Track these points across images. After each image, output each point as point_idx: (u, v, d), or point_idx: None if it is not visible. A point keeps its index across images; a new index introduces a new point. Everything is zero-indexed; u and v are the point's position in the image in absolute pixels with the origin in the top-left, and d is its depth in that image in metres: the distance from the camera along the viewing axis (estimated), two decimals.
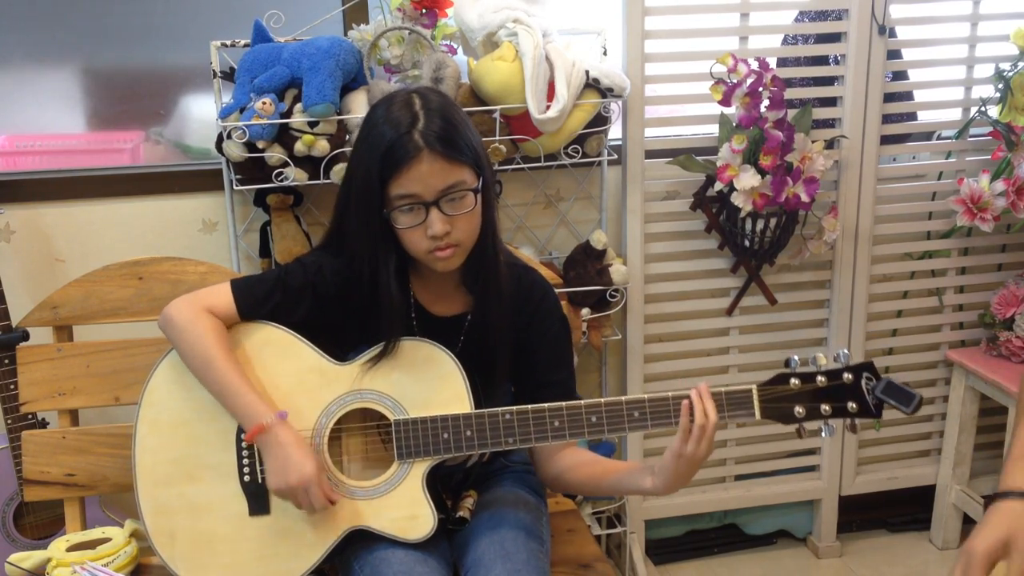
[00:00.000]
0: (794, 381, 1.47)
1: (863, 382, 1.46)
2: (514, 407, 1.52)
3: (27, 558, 1.67)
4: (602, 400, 1.51)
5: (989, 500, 1.32)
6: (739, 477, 2.71)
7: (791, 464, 2.72)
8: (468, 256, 1.54)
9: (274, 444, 1.49)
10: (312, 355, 1.57)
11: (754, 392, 1.48)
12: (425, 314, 1.62)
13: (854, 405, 1.47)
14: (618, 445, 2.58)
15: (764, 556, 2.76)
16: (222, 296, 1.57)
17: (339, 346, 1.59)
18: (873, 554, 2.76)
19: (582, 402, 1.51)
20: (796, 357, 1.49)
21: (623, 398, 1.50)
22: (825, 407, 1.47)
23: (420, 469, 1.54)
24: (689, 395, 1.47)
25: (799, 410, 1.47)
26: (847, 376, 1.47)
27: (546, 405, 1.51)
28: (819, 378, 1.47)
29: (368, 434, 1.60)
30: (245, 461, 1.56)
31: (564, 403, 1.51)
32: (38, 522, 2.23)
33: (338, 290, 1.58)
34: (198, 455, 1.57)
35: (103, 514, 2.17)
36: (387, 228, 1.50)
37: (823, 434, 1.49)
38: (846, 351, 1.48)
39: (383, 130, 1.46)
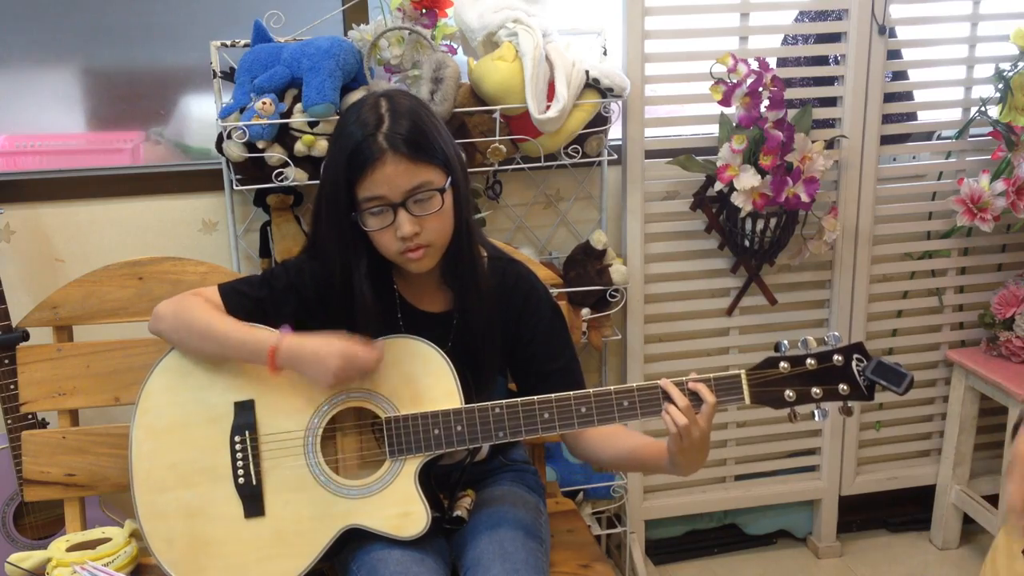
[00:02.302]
0: (783, 364, 1.47)
1: (853, 363, 1.46)
2: (503, 401, 1.52)
3: (27, 558, 1.67)
4: (591, 391, 1.51)
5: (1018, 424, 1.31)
6: (739, 477, 2.71)
7: (791, 464, 2.72)
8: (444, 255, 1.55)
9: (294, 356, 1.50)
10: None
11: (743, 377, 1.47)
12: (412, 311, 1.63)
13: (845, 387, 1.46)
14: None
15: (764, 556, 2.76)
16: (209, 297, 1.58)
17: None
18: (873, 554, 2.76)
19: (571, 393, 1.51)
20: (786, 341, 1.48)
21: (612, 388, 1.50)
22: (816, 390, 1.46)
23: (412, 466, 1.54)
24: (681, 382, 1.47)
25: (789, 394, 1.46)
26: (837, 358, 1.46)
27: (536, 398, 1.51)
28: (809, 361, 1.46)
29: (362, 432, 1.60)
30: (239, 464, 1.56)
31: (553, 395, 1.51)
32: (38, 522, 2.23)
33: (318, 292, 1.59)
34: (193, 459, 1.57)
35: (103, 514, 2.17)
36: (357, 231, 1.51)
37: (816, 417, 1.48)
38: (836, 334, 1.47)
39: (350, 132, 1.47)
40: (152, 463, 1.57)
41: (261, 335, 1.52)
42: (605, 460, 1.65)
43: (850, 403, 1.47)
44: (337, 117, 2.06)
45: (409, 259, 1.51)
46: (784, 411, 1.48)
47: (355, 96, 2.10)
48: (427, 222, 1.48)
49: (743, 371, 1.48)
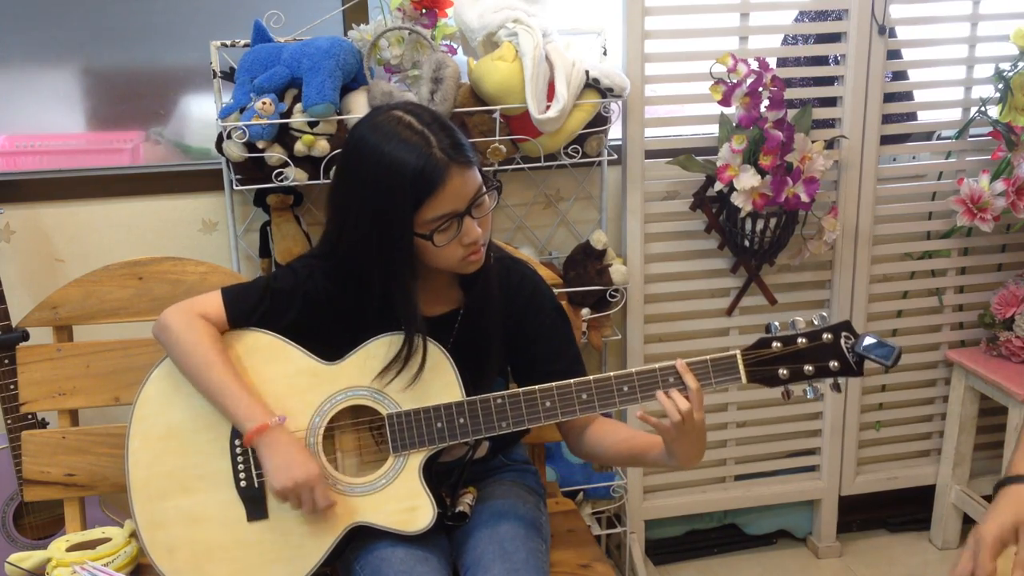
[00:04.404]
0: (776, 344, 1.49)
1: (842, 340, 1.48)
2: (505, 391, 1.53)
3: (27, 558, 1.68)
4: (591, 377, 1.52)
5: (998, 487, 1.32)
6: (739, 477, 2.71)
7: (791, 464, 2.72)
8: None
9: (276, 444, 1.49)
10: (301, 357, 1.57)
11: (739, 357, 1.49)
12: None
13: (836, 363, 1.48)
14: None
15: (764, 556, 2.76)
16: (213, 304, 1.58)
17: (329, 347, 1.59)
18: (873, 554, 2.76)
19: (572, 381, 1.52)
20: (776, 322, 1.51)
21: (612, 374, 1.51)
22: (808, 367, 1.48)
23: (416, 460, 1.54)
24: (674, 366, 1.48)
25: (783, 372, 1.48)
26: (827, 336, 1.48)
27: (536, 387, 1.52)
28: (800, 339, 1.48)
29: (360, 431, 1.60)
30: (240, 467, 1.56)
31: (554, 383, 1.52)
32: (38, 522, 2.23)
33: (328, 295, 1.58)
34: (192, 466, 1.57)
35: (103, 514, 2.17)
36: (413, 250, 1.49)
37: (808, 395, 1.50)
38: (824, 314, 1.50)
39: (399, 158, 1.43)
40: (150, 471, 1.57)
41: (254, 410, 1.50)
42: (605, 455, 1.65)
43: (840, 379, 1.50)
44: (337, 117, 2.06)
45: (471, 262, 1.52)
46: (778, 390, 1.50)
47: (355, 96, 2.10)
48: (484, 221, 1.50)
49: (738, 351, 1.50)
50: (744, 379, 1.49)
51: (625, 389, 1.51)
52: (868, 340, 1.46)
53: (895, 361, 1.44)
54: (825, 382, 1.50)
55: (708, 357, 1.49)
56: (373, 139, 1.47)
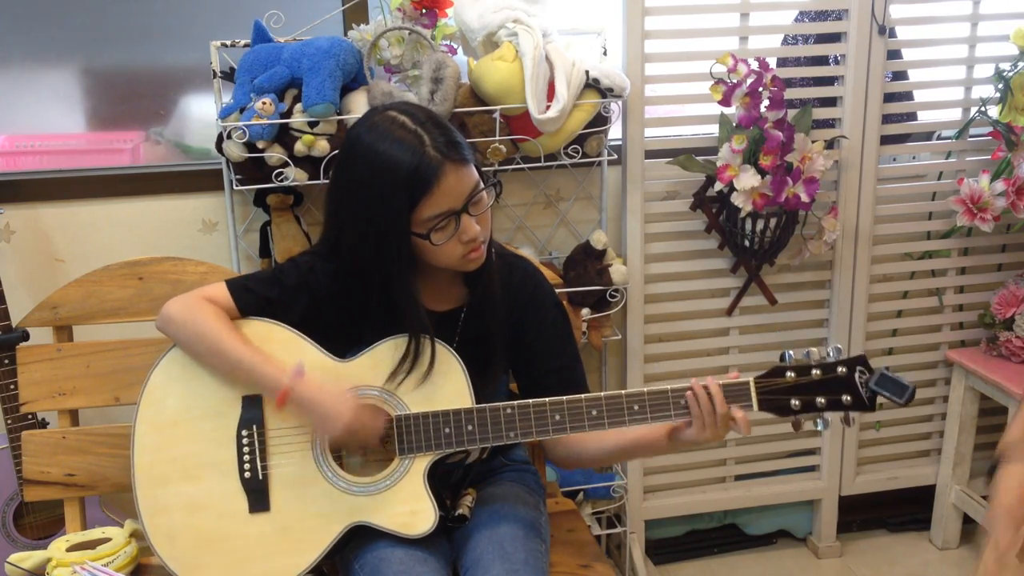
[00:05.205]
0: (790, 374, 1.49)
1: (856, 375, 1.48)
2: (515, 402, 1.53)
3: (27, 558, 1.67)
4: (602, 394, 1.52)
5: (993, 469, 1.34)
6: (739, 477, 2.71)
7: (791, 464, 2.72)
8: None
9: (303, 402, 1.49)
10: (315, 352, 1.57)
11: (751, 385, 1.50)
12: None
13: (848, 398, 1.48)
14: None
15: (764, 556, 2.76)
16: (219, 294, 1.57)
17: (334, 344, 1.58)
18: (873, 554, 2.76)
19: (583, 396, 1.52)
20: (791, 352, 1.51)
21: (623, 392, 1.51)
22: (820, 400, 1.48)
23: (421, 464, 1.54)
24: (691, 387, 1.49)
25: (795, 403, 1.49)
26: (841, 369, 1.48)
27: (547, 400, 1.52)
28: (814, 371, 1.49)
29: None
30: (246, 458, 1.56)
31: (565, 397, 1.52)
32: (38, 522, 2.23)
33: (330, 292, 1.58)
34: (197, 454, 1.56)
35: (103, 514, 2.17)
36: (411, 249, 1.49)
37: (819, 427, 1.51)
38: (839, 346, 1.50)
39: (393, 158, 1.43)
40: (154, 457, 1.57)
41: (272, 375, 1.50)
42: (586, 450, 1.64)
43: (852, 413, 1.50)
44: (337, 117, 2.06)
45: (471, 260, 1.52)
46: (788, 419, 1.51)
47: (355, 96, 2.10)
48: (482, 219, 1.50)
49: (751, 379, 1.50)
50: (756, 407, 1.50)
51: (635, 408, 1.51)
52: (883, 376, 1.47)
53: (909, 399, 1.44)
54: (836, 415, 1.50)
55: (721, 381, 1.50)
56: (368, 139, 1.47)
